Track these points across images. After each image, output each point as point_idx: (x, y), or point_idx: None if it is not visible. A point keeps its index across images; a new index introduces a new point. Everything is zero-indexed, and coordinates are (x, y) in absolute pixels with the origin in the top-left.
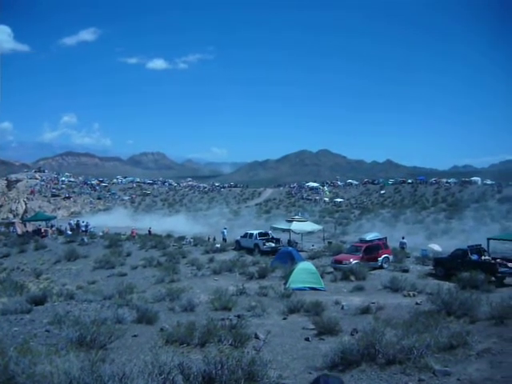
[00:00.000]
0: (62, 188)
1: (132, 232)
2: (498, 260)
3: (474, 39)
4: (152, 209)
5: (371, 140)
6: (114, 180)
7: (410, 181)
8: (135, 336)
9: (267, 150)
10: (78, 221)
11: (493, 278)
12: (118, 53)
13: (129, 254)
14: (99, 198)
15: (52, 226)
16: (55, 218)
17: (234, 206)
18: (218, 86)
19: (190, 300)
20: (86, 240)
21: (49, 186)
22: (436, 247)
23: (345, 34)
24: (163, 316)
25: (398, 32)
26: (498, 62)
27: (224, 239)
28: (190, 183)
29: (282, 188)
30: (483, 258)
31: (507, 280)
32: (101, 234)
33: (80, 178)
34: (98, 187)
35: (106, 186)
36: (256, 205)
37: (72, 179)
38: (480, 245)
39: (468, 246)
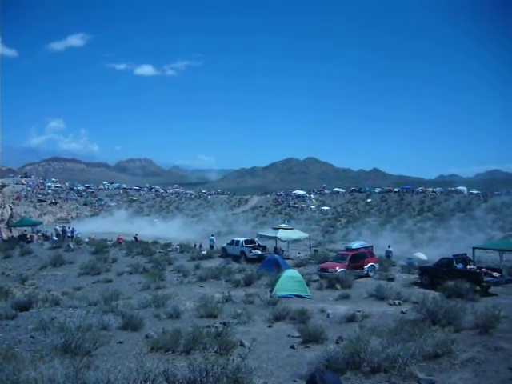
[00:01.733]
0: (49, 193)
1: (118, 238)
2: (483, 269)
3: (458, 50)
4: (139, 215)
5: (358, 148)
6: (101, 186)
7: (396, 189)
8: (120, 343)
9: (254, 158)
10: (63, 226)
11: (478, 287)
12: (107, 58)
13: (115, 261)
14: (85, 204)
15: (38, 232)
16: (41, 223)
17: (221, 213)
18: (206, 93)
19: (175, 307)
20: (71, 246)
21: (35, 191)
22: (421, 256)
23: (333, 41)
24: (148, 323)
25: (385, 40)
26: (484, 73)
27: (211, 246)
28: (176, 190)
29: (268, 195)
30: (468, 267)
31: (492, 289)
32: (87, 240)
33: (66, 184)
34: (84, 193)
35: (92, 192)
36: (243, 212)
37: (58, 185)
38: (465, 254)
39: (453, 255)
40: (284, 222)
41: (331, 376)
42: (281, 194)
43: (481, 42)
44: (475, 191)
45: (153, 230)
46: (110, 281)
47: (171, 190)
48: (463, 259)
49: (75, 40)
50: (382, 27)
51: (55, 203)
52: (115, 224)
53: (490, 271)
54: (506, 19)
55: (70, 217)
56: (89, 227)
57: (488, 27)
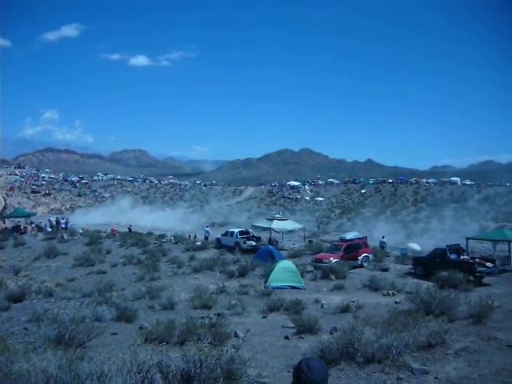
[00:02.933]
0: (42, 185)
1: (112, 230)
2: (477, 259)
3: (451, 41)
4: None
5: (353, 140)
6: (95, 177)
7: (390, 180)
8: (114, 334)
9: (249, 149)
10: (57, 218)
11: (471, 278)
12: (101, 49)
13: (109, 252)
14: (79, 195)
15: (32, 223)
16: (35, 214)
17: (216, 204)
18: (201, 84)
19: (169, 298)
20: (65, 237)
21: (29, 182)
22: (415, 246)
23: (327, 33)
24: (143, 314)
25: (380, 31)
26: (479, 66)
27: (206, 237)
28: (171, 181)
29: (263, 186)
30: (462, 257)
31: (485, 279)
32: (81, 231)
33: (60, 175)
34: (78, 184)
35: (86, 183)
36: (237, 203)
37: (52, 176)
38: (459, 244)
39: (447, 246)
40: (278, 213)
41: (317, 363)
42: (275, 185)
43: (478, 33)
44: (469, 182)
45: (149, 220)
46: (103, 272)
47: (166, 181)
48: (457, 249)
49: (69, 30)
50: (378, 18)
51: (49, 194)
52: (113, 215)
53: (483, 261)
54: (502, 12)
55: (63, 208)
56: (87, 218)
57: (487, 19)
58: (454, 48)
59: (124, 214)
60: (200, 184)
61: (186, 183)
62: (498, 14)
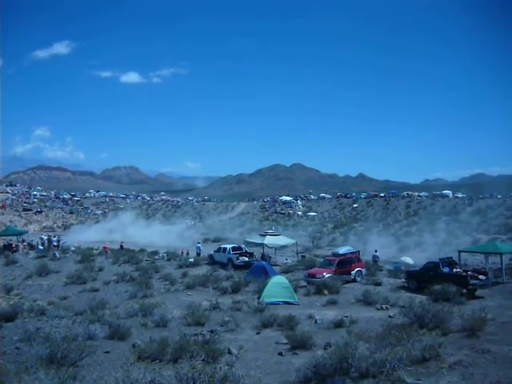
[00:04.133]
0: (34, 202)
1: (104, 247)
2: (469, 272)
3: (443, 57)
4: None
5: (344, 154)
6: (87, 194)
7: (382, 194)
8: (107, 352)
9: (241, 164)
10: (49, 235)
11: (464, 290)
12: (92, 66)
13: (101, 269)
14: (71, 213)
15: (23, 241)
16: (26, 232)
17: (208, 220)
18: (192, 101)
19: (162, 315)
20: (57, 255)
21: (20, 200)
22: (408, 260)
23: (318, 44)
24: (135, 332)
25: (373, 40)
26: (470, 79)
27: (198, 254)
28: (163, 197)
29: (255, 202)
30: (455, 270)
31: (478, 292)
32: (73, 248)
33: (52, 193)
34: (70, 202)
35: (78, 201)
36: (230, 219)
37: (44, 193)
38: (451, 257)
39: (439, 259)
40: (271, 229)
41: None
42: (267, 201)
43: (471, 52)
44: (460, 195)
45: (140, 237)
46: (96, 290)
47: (158, 198)
48: (449, 263)
49: (61, 48)
50: (374, 26)
51: (41, 212)
52: (109, 232)
53: (476, 274)
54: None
55: (55, 225)
56: (83, 236)
57: (479, 28)
58: (442, 64)
59: (121, 230)
60: (192, 200)
61: (179, 199)
62: (487, 21)
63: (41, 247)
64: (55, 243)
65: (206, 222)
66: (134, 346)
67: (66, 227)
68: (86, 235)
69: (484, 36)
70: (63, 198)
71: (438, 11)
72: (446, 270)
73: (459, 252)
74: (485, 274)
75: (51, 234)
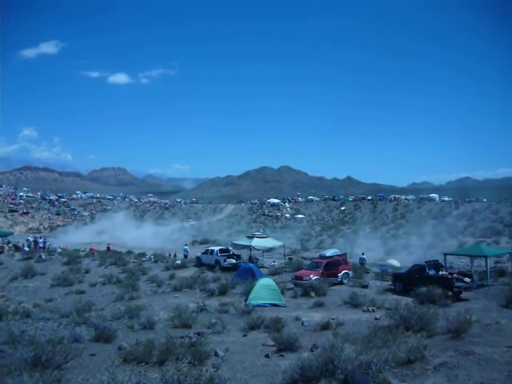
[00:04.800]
0: (20, 203)
1: (91, 249)
2: (455, 275)
3: (428, 62)
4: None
5: (332, 157)
6: (74, 195)
7: (369, 197)
8: (92, 355)
9: (229, 166)
10: (35, 237)
11: (450, 293)
12: (80, 66)
13: (88, 271)
14: (58, 214)
15: (9, 243)
16: (12, 234)
17: (196, 222)
18: (181, 102)
19: (149, 318)
20: (43, 257)
21: (6, 201)
22: (395, 263)
23: (307, 45)
24: (122, 334)
25: (359, 57)
26: (457, 83)
27: (185, 256)
28: (151, 199)
29: (243, 204)
30: (440, 273)
31: (464, 294)
32: (59, 250)
33: (38, 194)
34: (56, 203)
35: (65, 202)
36: (218, 221)
37: (30, 194)
38: (437, 260)
39: (425, 262)
40: (259, 231)
41: (361, 377)
42: (255, 203)
43: (455, 54)
44: (447, 198)
45: (127, 239)
46: (82, 292)
47: (145, 199)
48: (435, 265)
49: (48, 47)
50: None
51: (27, 213)
52: (99, 233)
53: (461, 277)
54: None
55: (42, 227)
56: (74, 237)
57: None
58: (428, 67)
59: (110, 232)
60: (180, 202)
61: (167, 201)
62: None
63: (27, 249)
64: (41, 245)
65: (194, 224)
66: (119, 348)
67: (52, 228)
68: (75, 237)
69: (465, 41)
70: (50, 199)
71: (431, 10)
72: (431, 272)
73: (445, 255)
74: (470, 276)
75: (37, 235)
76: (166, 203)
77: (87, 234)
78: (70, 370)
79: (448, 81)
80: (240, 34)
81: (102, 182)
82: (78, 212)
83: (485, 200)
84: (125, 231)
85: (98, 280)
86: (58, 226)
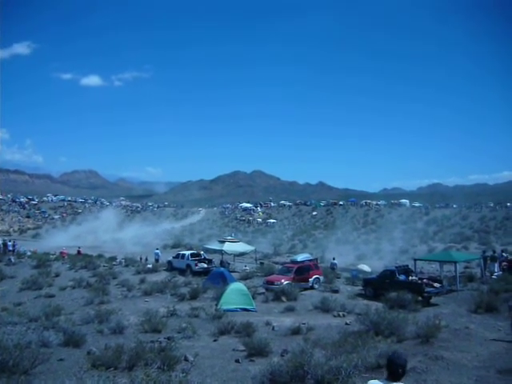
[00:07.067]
0: None
1: (62, 252)
2: (425, 280)
3: (399, 59)
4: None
5: (304, 162)
6: (44, 198)
7: (341, 203)
8: (61, 360)
9: (202, 170)
10: (4, 240)
11: (420, 298)
12: (53, 68)
13: (57, 275)
14: (28, 217)
15: None
16: None
17: (168, 226)
18: (154, 105)
19: (119, 322)
20: (12, 260)
21: None
22: (365, 268)
23: (280, 47)
24: (91, 339)
25: (326, 58)
26: (426, 88)
27: (156, 260)
28: (122, 202)
29: (215, 208)
30: (410, 278)
31: (433, 299)
32: (29, 253)
33: (8, 196)
34: (27, 205)
35: (35, 205)
36: (190, 225)
37: (0, 197)
38: (407, 265)
39: (396, 267)
40: (230, 235)
41: (400, 352)
42: (228, 207)
43: (434, 60)
44: (417, 204)
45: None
46: (52, 296)
47: (117, 203)
48: (405, 270)
49: (21, 48)
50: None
51: None
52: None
53: (431, 282)
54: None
55: (11, 229)
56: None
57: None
58: (402, 70)
59: (85, 236)
60: (152, 206)
61: (138, 205)
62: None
63: None
64: (11, 248)
65: (166, 228)
66: (88, 353)
67: (22, 231)
68: (59, 239)
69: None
70: (20, 202)
71: (426, 14)
72: (402, 277)
73: (415, 260)
74: (440, 281)
75: (6, 238)
76: (137, 207)
77: (68, 238)
78: (38, 376)
79: (421, 85)
80: (211, 38)
81: (73, 185)
82: (49, 215)
83: (455, 206)
84: (105, 235)
85: (67, 284)
86: (29, 228)
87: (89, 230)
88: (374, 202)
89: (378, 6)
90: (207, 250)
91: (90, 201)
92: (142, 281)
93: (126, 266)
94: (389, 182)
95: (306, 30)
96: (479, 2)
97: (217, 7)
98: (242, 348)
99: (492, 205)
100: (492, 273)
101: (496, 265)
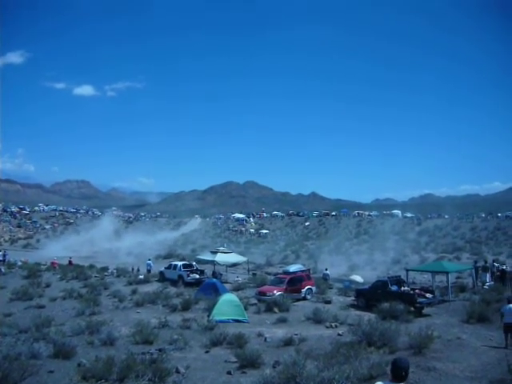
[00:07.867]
0: None
1: (52, 262)
2: (417, 290)
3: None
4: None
5: (297, 173)
6: (36, 208)
7: (333, 213)
8: (51, 372)
9: (194, 181)
10: None
11: (412, 309)
12: (46, 77)
13: (48, 285)
14: (19, 226)
15: None
16: None
17: (160, 237)
18: (147, 116)
19: (110, 333)
20: (3, 270)
21: None
22: (358, 278)
23: (272, 60)
24: (81, 350)
25: (317, 69)
26: (414, 101)
27: (148, 270)
28: (114, 213)
29: (208, 219)
30: (403, 288)
31: (425, 310)
32: (19, 263)
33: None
34: (18, 215)
35: (27, 214)
36: (182, 235)
37: None
38: (399, 276)
39: (388, 277)
40: (223, 246)
41: (403, 358)
42: (220, 218)
43: (424, 70)
44: (409, 214)
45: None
46: (42, 306)
47: (109, 213)
48: (397, 281)
49: (14, 57)
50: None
51: None
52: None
53: (423, 292)
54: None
55: (2, 239)
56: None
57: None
58: (394, 78)
59: (79, 247)
60: (144, 216)
61: (130, 215)
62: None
63: None
64: (1, 258)
65: (158, 238)
66: (79, 365)
67: (13, 241)
68: (43, 251)
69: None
70: (11, 212)
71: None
72: (394, 288)
73: (407, 271)
74: (432, 292)
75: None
76: (129, 217)
77: (60, 248)
78: None
79: (413, 94)
80: (204, 50)
81: (65, 195)
82: (40, 225)
83: (446, 216)
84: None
85: (58, 294)
86: (20, 238)
87: (82, 240)
88: (366, 213)
89: (373, 15)
90: (200, 261)
91: (81, 211)
92: (134, 291)
93: (118, 276)
94: (381, 192)
95: (296, 41)
96: (480, 11)
97: (212, 19)
98: (234, 359)
99: (483, 215)
100: (484, 283)
101: (488, 275)
